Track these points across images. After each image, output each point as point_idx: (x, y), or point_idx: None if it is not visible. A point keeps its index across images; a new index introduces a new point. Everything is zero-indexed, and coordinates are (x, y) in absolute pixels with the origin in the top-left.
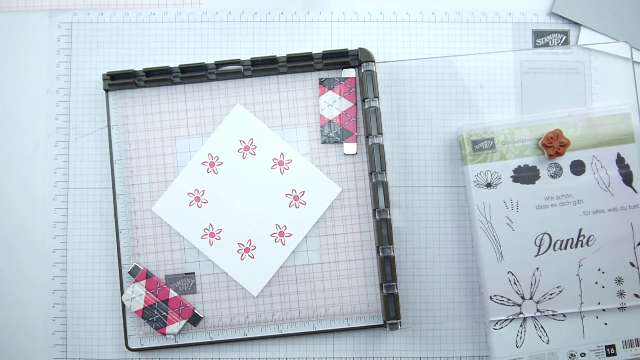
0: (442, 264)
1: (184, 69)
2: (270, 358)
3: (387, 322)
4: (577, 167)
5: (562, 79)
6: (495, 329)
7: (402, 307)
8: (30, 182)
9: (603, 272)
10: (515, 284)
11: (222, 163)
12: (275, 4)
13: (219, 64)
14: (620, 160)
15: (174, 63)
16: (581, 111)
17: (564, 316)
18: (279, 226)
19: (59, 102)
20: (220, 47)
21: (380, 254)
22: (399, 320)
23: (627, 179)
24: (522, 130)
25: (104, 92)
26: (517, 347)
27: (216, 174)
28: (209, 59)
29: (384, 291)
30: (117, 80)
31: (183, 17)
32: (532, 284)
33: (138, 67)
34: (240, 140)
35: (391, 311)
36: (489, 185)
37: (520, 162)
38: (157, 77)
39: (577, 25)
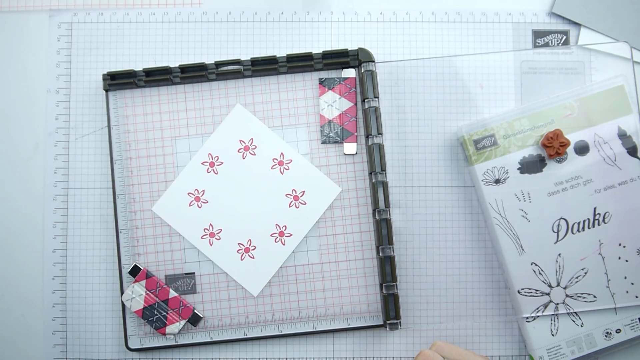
0: (442, 264)
1: (184, 69)
2: (270, 358)
3: (387, 322)
4: (581, 148)
5: (562, 79)
6: (529, 322)
7: (402, 307)
8: (30, 182)
9: (624, 247)
10: (540, 274)
11: (222, 163)
12: (275, 4)
13: (219, 64)
14: (622, 133)
15: (174, 63)
16: (575, 92)
17: (595, 297)
18: (279, 226)
19: (59, 102)
20: (220, 47)
21: (380, 254)
22: (399, 320)
23: (632, 150)
24: (521, 121)
25: (104, 92)
26: (553, 335)
27: (216, 174)
28: (209, 59)
29: (384, 291)
30: (117, 80)
31: (183, 17)
32: (557, 271)
33: (138, 67)
34: (240, 140)
35: (391, 311)
36: (497, 181)
37: (525, 153)
38: (157, 77)
39: (577, 25)
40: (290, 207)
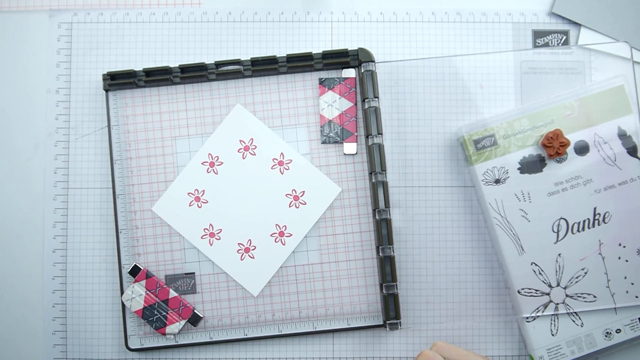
0: (442, 264)
1: (184, 69)
2: (270, 358)
3: (387, 322)
4: (581, 148)
5: (562, 79)
6: (529, 322)
7: (402, 307)
8: (30, 182)
9: (624, 247)
10: (540, 274)
11: (222, 163)
12: (275, 4)
13: (219, 64)
14: (622, 133)
15: (174, 63)
16: (575, 92)
17: (595, 297)
18: (279, 226)
19: (59, 102)
20: (220, 47)
21: (380, 254)
22: (399, 320)
23: (632, 150)
24: (521, 120)
25: (104, 92)
26: (553, 335)
27: (216, 174)
28: (209, 59)
29: (384, 291)
30: (117, 80)
31: (183, 17)
32: (557, 271)
33: (138, 67)
34: (240, 140)
35: (391, 311)
36: (497, 181)
37: (525, 153)
38: (157, 77)
39: (577, 25)
40: (290, 207)
